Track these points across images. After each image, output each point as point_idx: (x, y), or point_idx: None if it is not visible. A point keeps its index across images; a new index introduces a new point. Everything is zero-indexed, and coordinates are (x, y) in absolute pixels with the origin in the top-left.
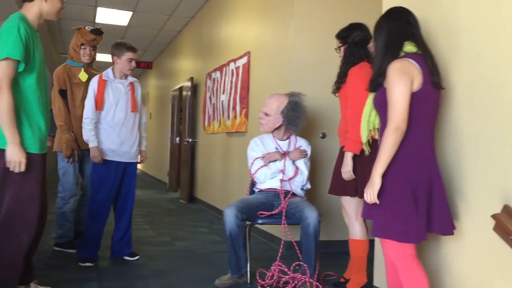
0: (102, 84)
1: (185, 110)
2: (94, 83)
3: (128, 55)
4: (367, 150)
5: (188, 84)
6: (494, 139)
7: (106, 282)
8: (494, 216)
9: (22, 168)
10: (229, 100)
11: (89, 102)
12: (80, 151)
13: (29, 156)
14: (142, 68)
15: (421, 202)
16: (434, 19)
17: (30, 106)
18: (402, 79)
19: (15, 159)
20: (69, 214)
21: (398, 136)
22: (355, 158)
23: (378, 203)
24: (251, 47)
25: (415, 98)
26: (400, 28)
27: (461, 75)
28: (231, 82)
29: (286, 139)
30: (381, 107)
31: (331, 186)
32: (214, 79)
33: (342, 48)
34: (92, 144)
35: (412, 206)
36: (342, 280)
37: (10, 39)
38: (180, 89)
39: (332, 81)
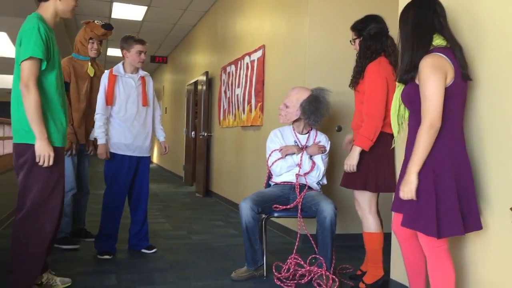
0: (113, 80)
1: (200, 104)
2: (104, 78)
3: (137, 47)
4: (397, 144)
5: (203, 78)
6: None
7: (124, 275)
8: None
9: (51, 162)
10: (244, 94)
11: (101, 98)
12: (78, 145)
13: (55, 150)
14: (157, 62)
15: (452, 198)
16: (458, 8)
17: (52, 103)
18: (436, 75)
19: (44, 153)
20: (67, 208)
21: (433, 134)
22: (364, 152)
23: (415, 199)
24: (265, 40)
25: (447, 94)
26: (428, 18)
27: (485, 66)
28: (246, 76)
29: (306, 133)
30: (411, 103)
31: (343, 179)
32: (229, 73)
33: (357, 41)
34: (100, 141)
35: (436, 200)
36: (358, 272)
37: (31, 40)
38: (195, 83)
39: (348, 75)
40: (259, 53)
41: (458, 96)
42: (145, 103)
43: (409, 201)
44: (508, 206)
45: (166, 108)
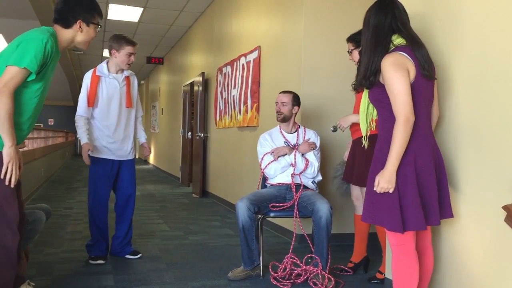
0: (96, 80)
1: (197, 105)
2: (87, 78)
3: (128, 49)
4: (366, 143)
5: (199, 79)
6: (506, 129)
7: (121, 275)
8: (505, 207)
9: (20, 171)
10: (240, 95)
11: (82, 99)
12: None
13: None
14: (153, 63)
15: (413, 193)
16: (437, 10)
17: (21, 112)
18: (399, 72)
19: (15, 160)
20: None
21: (409, 129)
22: (358, 148)
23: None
24: (261, 41)
25: (411, 90)
26: (386, 23)
27: (460, 65)
28: (242, 76)
29: (295, 132)
30: (379, 101)
31: (344, 174)
32: (225, 74)
33: (356, 51)
34: (83, 141)
35: (398, 195)
36: (350, 265)
37: (33, 50)
38: (192, 84)
39: (343, 75)
40: (254, 54)
41: (421, 93)
42: (130, 104)
43: (368, 196)
44: (497, 201)
45: (162, 109)
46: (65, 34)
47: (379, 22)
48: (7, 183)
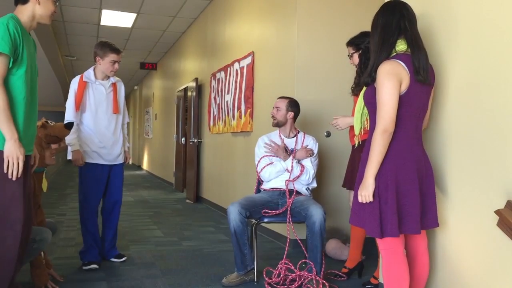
0: (82, 86)
1: (190, 111)
2: (74, 84)
3: (112, 57)
4: (357, 141)
5: (193, 84)
6: (498, 134)
7: (115, 282)
8: (497, 212)
9: (21, 164)
10: (233, 100)
11: (70, 104)
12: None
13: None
14: (146, 69)
15: (392, 201)
16: (434, 15)
17: (12, 105)
18: (391, 82)
19: (14, 154)
20: None
21: (386, 138)
22: (358, 155)
23: (372, 200)
24: (255, 47)
25: (401, 101)
26: (394, 21)
27: (456, 69)
28: (236, 82)
29: (293, 137)
30: (369, 103)
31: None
32: (218, 79)
33: (356, 55)
34: (74, 148)
35: (379, 202)
36: (345, 270)
37: None
38: (185, 89)
39: (336, 80)
40: (248, 60)
41: (413, 103)
42: (116, 110)
43: (355, 199)
44: (489, 205)
45: (156, 114)
46: (25, 11)
47: (387, 20)
48: (9, 176)
